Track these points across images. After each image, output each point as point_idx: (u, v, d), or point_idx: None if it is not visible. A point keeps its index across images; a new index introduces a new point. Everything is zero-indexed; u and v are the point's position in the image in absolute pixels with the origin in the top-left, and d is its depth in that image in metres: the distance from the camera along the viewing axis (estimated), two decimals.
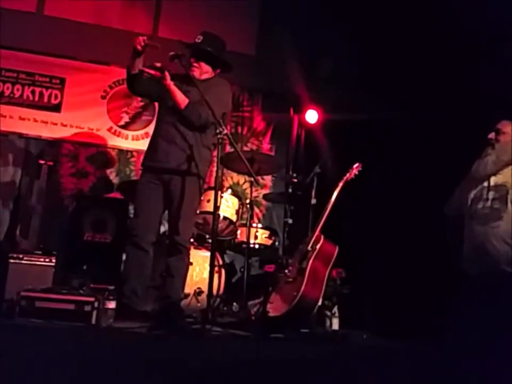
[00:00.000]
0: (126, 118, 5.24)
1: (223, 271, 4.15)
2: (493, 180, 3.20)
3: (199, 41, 3.37)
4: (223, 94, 3.43)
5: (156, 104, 5.19)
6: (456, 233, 3.32)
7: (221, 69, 3.50)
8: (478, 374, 2.16)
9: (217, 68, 3.47)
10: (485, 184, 3.22)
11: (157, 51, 3.33)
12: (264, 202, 5.35)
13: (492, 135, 3.27)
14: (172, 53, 3.29)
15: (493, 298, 2.95)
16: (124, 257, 3.73)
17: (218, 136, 3.04)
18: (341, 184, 3.87)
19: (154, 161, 3.33)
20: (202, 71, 3.41)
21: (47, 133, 4.99)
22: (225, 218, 4.20)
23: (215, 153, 3.32)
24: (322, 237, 3.61)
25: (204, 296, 3.78)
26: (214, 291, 3.85)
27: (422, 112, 4.10)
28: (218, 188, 3.15)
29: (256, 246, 4.28)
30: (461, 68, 3.94)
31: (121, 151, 5.18)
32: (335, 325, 3.97)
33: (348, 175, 3.93)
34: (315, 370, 2.20)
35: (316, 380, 2.10)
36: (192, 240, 3.74)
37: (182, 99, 3.27)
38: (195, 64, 3.36)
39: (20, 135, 4.93)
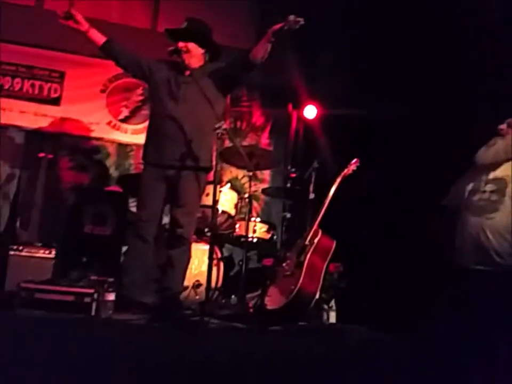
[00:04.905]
0: (125, 112, 5.25)
1: (221, 264, 4.18)
2: (492, 174, 3.22)
3: (184, 27, 3.38)
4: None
5: None
6: (451, 226, 3.34)
7: (209, 51, 3.48)
8: (471, 367, 2.19)
9: (206, 48, 3.45)
10: (484, 177, 3.24)
11: (155, 46, 3.35)
12: (262, 196, 5.38)
13: (503, 126, 3.26)
14: (170, 48, 3.31)
15: (487, 291, 2.97)
16: (124, 249, 3.76)
17: (217, 130, 3.05)
18: (339, 180, 3.89)
19: (159, 159, 3.33)
20: (192, 54, 3.37)
21: (46, 126, 5.00)
22: (224, 212, 4.23)
23: (214, 147, 3.35)
24: (320, 231, 3.63)
25: (203, 288, 3.81)
26: (213, 284, 3.87)
27: (421, 107, 4.11)
28: (217, 182, 3.16)
29: (255, 240, 4.29)
30: (461, 63, 3.95)
31: (120, 145, 5.20)
32: (332, 318, 4.00)
33: (346, 170, 3.95)
34: (312, 362, 2.23)
35: (312, 372, 2.13)
36: None
37: (99, 38, 3.37)
38: (184, 49, 3.31)
39: (20, 128, 4.94)
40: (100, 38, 3.38)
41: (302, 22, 2.97)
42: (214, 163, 3.35)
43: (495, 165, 3.24)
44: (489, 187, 3.20)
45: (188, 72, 3.35)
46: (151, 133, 3.46)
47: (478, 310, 2.94)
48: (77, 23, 3.28)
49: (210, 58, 3.50)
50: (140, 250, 3.32)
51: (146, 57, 3.51)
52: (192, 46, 3.38)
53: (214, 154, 3.31)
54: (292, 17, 2.96)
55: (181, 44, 3.34)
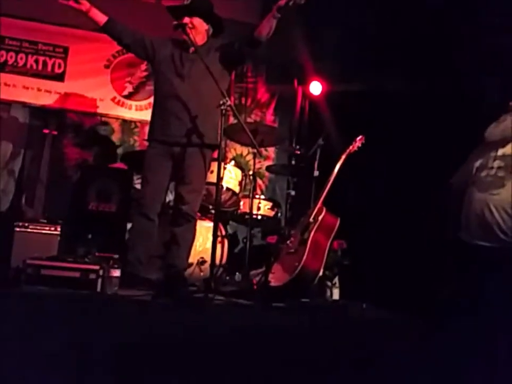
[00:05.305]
0: (129, 88, 5.22)
1: (226, 242, 4.19)
2: (500, 151, 3.21)
3: (188, 3, 3.35)
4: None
5: None
6: (458, 203, 3.34)
7: (213, 27, 3.45)
8: (474, 345, 2.20)
9: (210, 23, 3.43)
10: (492, 154, 3.23)
11: (160, 20, 3.31)
12: (267, 174, 5.37)
13: None
14: (175, 22, 3.28)
15: (491, 267, 2.99)
16: (129, 226, 3.79)
17: (222, 107, 3.03)
18: (343, 157, 3.88)
19: (165, 136, 3.32)
20: (198, 31, 3.34)
21: (51, 102, 4.99)
22: (228, 189, 4.22)
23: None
24: (324, 209, 3.64)
25: (207, 265, 3.83)
26: (217, 261, 3.90)
27: (429, 83, 4.06)
28: (222, 159, 3.16)
29: (259, 217, 4.31)
30: (471, 39, 3.88)
31: (124, 121, 5.18)
32: (336, 295, 4.03)
33: (351, 147, 3.93)
34: (314, 339, 2.25)
35: (315, 348, 2.15)
36: None
37: (101, 17, 3.35)
38: (189, 25, 3.28)
39: (24, 104, 4.92)
40: (101, 18, 3.34)
41: None
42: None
43: (504, 142, 3.23)
44: (496, 163, 3.19)
45: (192, 49, 3.32)
46: (156, 111, 3.44)
47: (484, 288, 2.95)
48: (77, 3, 3.24)
49: (213, 33, 3.47)
50: (144, 227, 3.33)
51: (149, 35, 3.47)
52: (197, 21, 3.35)
53: (219, 131, 3.29)
54: None
55: (186, 19, 3.30)
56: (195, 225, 3.41)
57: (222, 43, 3.42)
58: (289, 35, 4.80)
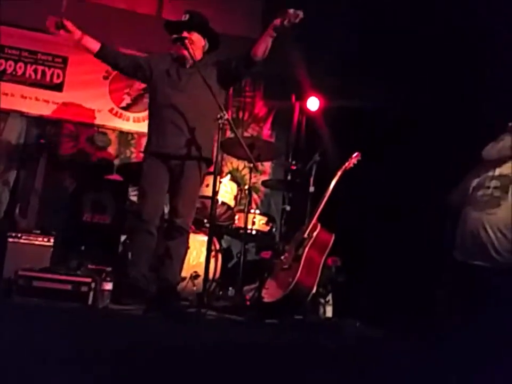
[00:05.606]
0: (127, 100, 5.23)
1: (219, 256, 4.17)
2: (497, 170, 3.23)
3: (187, 19, 3.38)
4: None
5: None
6: (454, 222, 3.35)
7: (209, 42, 3.48)
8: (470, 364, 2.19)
9: (207, 38, 3.46)
10: (490, 173, 3.25)
11: (160, 33, 3.33)
12: (262, 188, 5.35)
13: None
14: (174, 36, 3.30)
15: (487, 288, 2.98)
16: (123, 238, 3.76)
17: (219, 121, 3.04)
18: (339, 173, 3.88)
19: (162, 148, 3.32)
20: (197, 46, 3.37)
21: (48, 112, 4.98)
22: (223, 203, 4.22)
23: (215, 137, 3.33)
24: (319, 225, 3.63)
25: (200, 280, 3.81)
26: (210, 275, 3.88)
27: (426, 101, 4.08)
28: (218, 173, 3.16)
29: (254, 232, 4.29)
30: (467, 54, 3.90)
31: (121, 133, 5.18)
32: (329, 312, 4.01)
33: (347, 164, 3.94)
34: (306, 356, 2.23)
35: (307, 366, 2.13)
36: None
37: (93, 45, 3.34)
38: (187, 41, 3.29)
39: (21, 114, 4.92)
40: (94, 46, 3.36)
41: (302, 16, 2.95)
42: (214, 154, 3.34)
43: (501, 161, 3.24)
44: (493, 183, 3.21)
45: (190, 63, 3.34)
46: (152, 123, 3.45)
47: (478, 307, 2.94)
48: (68, 32, 3.26)
49: (207, 50, 3.50)
50: (146, 243, 3.31)
51: (143, 56, 3.50)
52: (196, 37, 3.38)
53: (215, 145, 3.30)
54: (291, 11, 2.95)
55: (185, 34, 3.32)
56: (188, 238, 3.40)
57: (218, 59, 3.44)
58: (286, 50, 4.83)
